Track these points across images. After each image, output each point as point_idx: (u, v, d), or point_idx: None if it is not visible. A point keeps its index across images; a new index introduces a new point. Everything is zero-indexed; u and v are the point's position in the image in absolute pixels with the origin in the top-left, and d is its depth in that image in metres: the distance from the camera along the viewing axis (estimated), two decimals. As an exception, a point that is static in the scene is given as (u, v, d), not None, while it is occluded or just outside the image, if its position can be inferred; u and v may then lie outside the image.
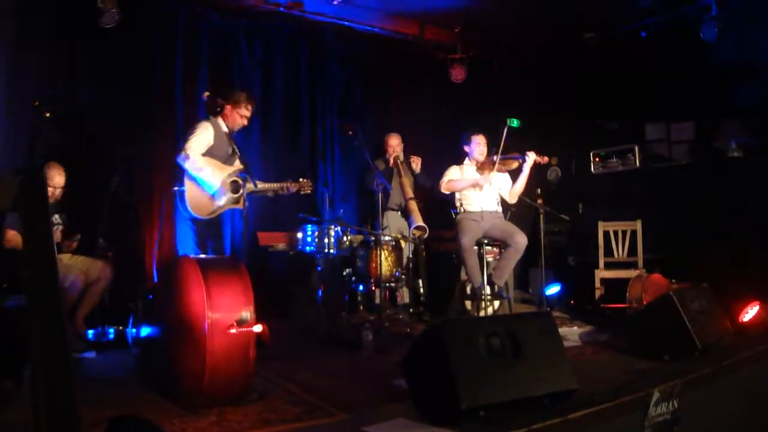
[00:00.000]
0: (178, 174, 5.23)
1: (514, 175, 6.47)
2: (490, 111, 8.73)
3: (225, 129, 5.37)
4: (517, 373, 3.19)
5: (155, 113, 6.58)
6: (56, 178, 5.44)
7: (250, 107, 5.49)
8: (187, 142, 5.15)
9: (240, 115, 5.43)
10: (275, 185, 5.74)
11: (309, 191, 6.01)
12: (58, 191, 5.52)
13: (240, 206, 5.28)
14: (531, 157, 6.23)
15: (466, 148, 6.48)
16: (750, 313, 5.42)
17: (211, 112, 5.40)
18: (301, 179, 5.92)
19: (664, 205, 7.25)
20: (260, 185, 5.54)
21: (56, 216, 5.58)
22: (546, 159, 6.32)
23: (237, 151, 5.28)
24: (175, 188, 5.21)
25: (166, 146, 6.38)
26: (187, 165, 5.10)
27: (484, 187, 6.33)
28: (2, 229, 5.13)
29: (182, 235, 5.38)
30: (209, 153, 5.23)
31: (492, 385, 3.08)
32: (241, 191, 5.20)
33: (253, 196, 5.52)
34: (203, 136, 5.22)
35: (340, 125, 7.62)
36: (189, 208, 5.13)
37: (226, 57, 7.09)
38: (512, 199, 6.49)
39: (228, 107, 5.38)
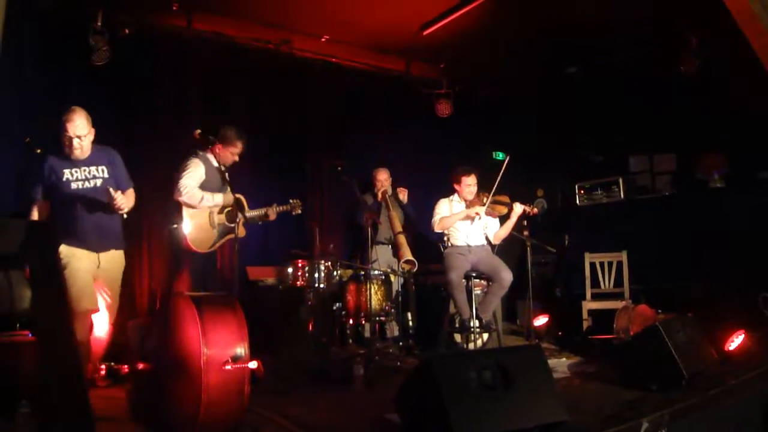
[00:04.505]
0: (173, 211, 5.31)
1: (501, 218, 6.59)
2: (476, 145, 8.86)
3: (215, 163, 5.51)
4: (508, 405, 3.23)
5: (144, 150, 6.60)
6: (81, 128, 4.65)
7: (240, 143, 5.64)
8: (181, 179, 5.28)
9: (231, 153, 5.56)
10: (266, 210, 5.87)
11: (300, 211, 6.17)
12: (86, 141, 4.73)
13: (240, 234, 5.37)
14: (519, 208, 6.34)
15: (456, 186, 6.55)
16: (735, 341, 5.47)
17: (202, 148, 5.51)
18: (291, 200, 6.10)
19: (649, 236, 7.33)
20: (250, 213, 5.68)
21: (99, 168, 4.86)
22: (535, 211, 6.45)
23: (228, 183, 5.41)
24: (173, 226, 5.30)
25: (154, 182, 6.39)
26: (187, 200, 5.22)
27: (473, 221, 6.43)
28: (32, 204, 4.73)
29: (179, 271, 5.44)
30: (202, 188, 5.35)
31: (484, 418, 3.12)
32: (237, 220, 5.30)
33: (247, 225, 5.66)
34: (196, 173, 5.36)
35: (329, 160, 7.69)
36: (190, 243, 5.22)
37: (216, 94, 7.14)
38: (495, 241, 6.60)
39: (219, 145, 5.50)
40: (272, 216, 6.00)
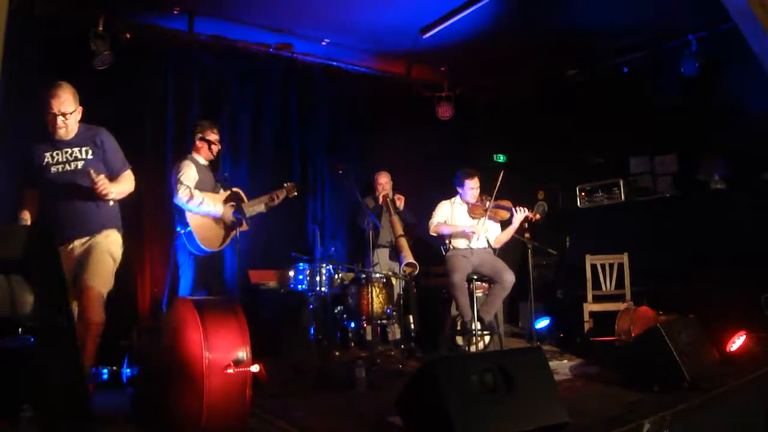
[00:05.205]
0: (178, 216, 5.33)
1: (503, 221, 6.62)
2: (477, 147, 8.88)
3: (203, 162, 5.60)
4: (510, 408, 3.23)
5: (146, 154, 6.61)
6: (67, 104, 4.24)
7: (215, 130, 5.73)
8: (179, 182, 5.30)
9: (210, 142, 5.61)
10: (263, 198, 5.90)
11: (296, 193, 6.23)
12: (72, 120, 4.29)
13: (244, 228, 5.40)
14: (522, 213, 6.36)
15: (459, 189, 6.58)
16: (737, 342, 5.47)
17: (189, 149, 5.60)
18: (286, 183, 6.12)
19: (649, 238, 7.32)
20: (249, 204, 5.71)
21: (82, 150, 4.35)
22: (537, 216, 6.46)
23: (221, 181, 5.46)
24: (180, 230, 5.33)
25: (156, 186, 6.42)
26: (188, 203, 5.26)
27: (470, 239, 6.45)
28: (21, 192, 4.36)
29: (182, 275, 5.45)
30: (197, 187, 5.39)
31: (486, 421, 3.12)
32: (240, 215, 5.33)
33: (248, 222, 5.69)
34: (190, 173, 5.43)
35: (330, 164, 7.72)
36: (200, 245, 5.26)
37: (217, 97, 7.16)
38: (496, 245, 6.64)
39: (197, 140, 5.59)
40: (275, 201, 6.01)
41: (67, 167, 4.26)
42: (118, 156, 4.52)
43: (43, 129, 4.27)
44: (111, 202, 4.39)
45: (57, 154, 4.26)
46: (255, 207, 5.89)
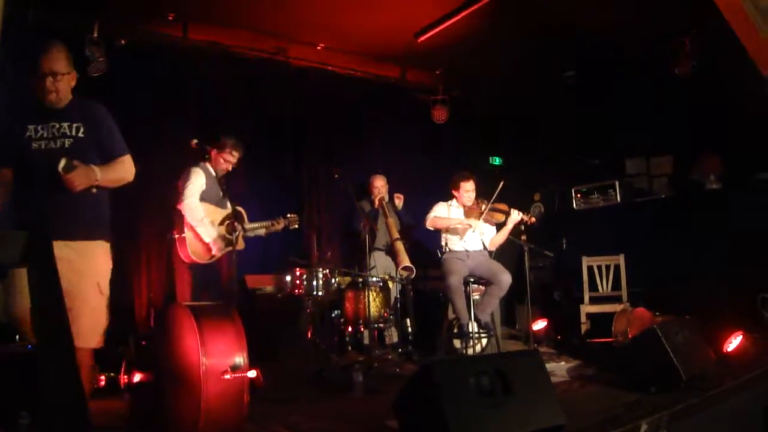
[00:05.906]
0: (176, 220, 5.32)
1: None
2: (473, 150, 8.88)
3: (213, 173, 5.51)
4: (507, 411, 3.23)
5: (142, 159, 6.57)
6: (59, 63, 3.54)
7: (235, 153, 5.61)
8: (185, 189, 5.27)
9: (224, 160, 5.54)
10: (265, 223, 5.88)
11: (296, 226, 6.19)
12: (64, 85, 3.57)
13: (239, 247, 5.38)
14: (517, 216, 6.35)
15: (454, 192, 6.57)
16: (733, 342, 5.48)
17: (200, 158, 5.52)
18: (288, 215, 6.10)
19: (646, 239, 7.33)
20: (249, 226, 5.68)
21: (72, 126, 3.58)
22: (533, 220, 6.45)
23: (227, 194, 5.42)
24: (175, 235, 5.31)
25: (153, 192, 6.40)
26: (189, 212, 5.22)
27: (467, 230, 6.45)
28: None
29: (180, 281, 5.44)
30: (202, 198, 5.36)
31: (483, 424, 3.12)
32: (236, 233, 5.30)
33: (246, 237, 5.65)
34: (197, 182, 5.37)
35: (326, 168, 7.72)
36: (190, 253, 5.22)
37: (213, 103, 7.16)
38: (491, 247, 6.62)
39: (213, 151, 5.51)
40: (275, 227, 6.02)
41: (51, 144, 3.50)
42: (115, 137, 3.77)
43: (30, 100, 3.61)
44: (94, 189, 3.54)
45: (42, 128, 3.51)
46: (255, 230, 5.88)
